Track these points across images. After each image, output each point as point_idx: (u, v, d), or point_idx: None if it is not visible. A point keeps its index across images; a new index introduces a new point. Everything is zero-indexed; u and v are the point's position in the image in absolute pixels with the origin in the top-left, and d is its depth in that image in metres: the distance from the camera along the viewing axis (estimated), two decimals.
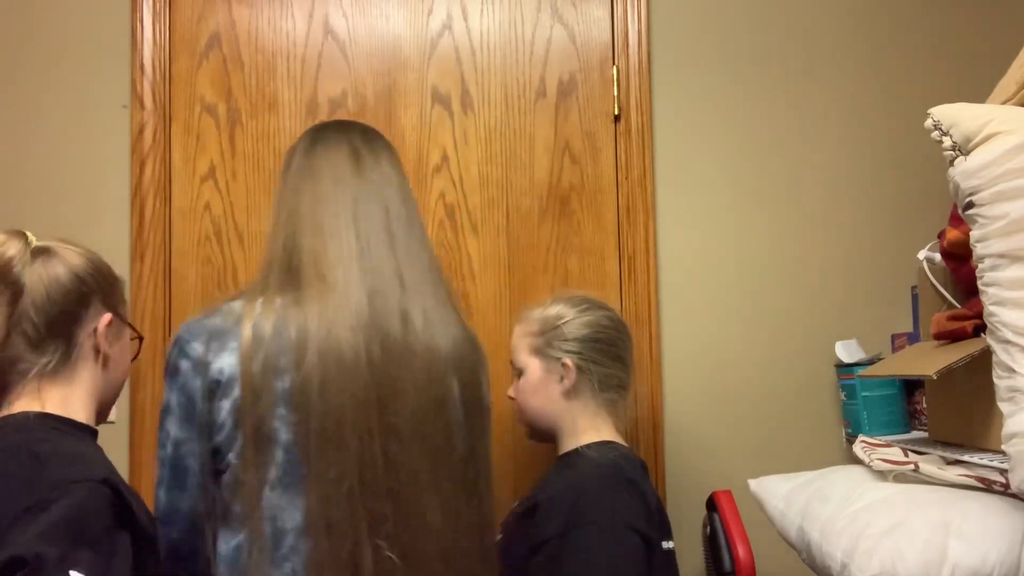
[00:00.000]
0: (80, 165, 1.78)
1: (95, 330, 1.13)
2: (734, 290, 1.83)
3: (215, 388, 1.07)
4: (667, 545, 1.39)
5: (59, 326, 1.10)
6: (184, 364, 1.09)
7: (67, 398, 1.10)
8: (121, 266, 1.76)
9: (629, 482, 1.36)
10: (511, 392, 1.57)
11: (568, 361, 1.47)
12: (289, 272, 1.12)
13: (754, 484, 1.48)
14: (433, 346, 1.12)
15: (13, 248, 1.10)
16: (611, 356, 1.50)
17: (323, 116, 1.82)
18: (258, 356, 1.05)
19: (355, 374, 1.05)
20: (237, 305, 1.12)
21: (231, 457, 1.05)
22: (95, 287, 1.15)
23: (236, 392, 1.05)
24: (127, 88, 1.80)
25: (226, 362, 1.06)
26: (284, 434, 1.04)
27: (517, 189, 1.83)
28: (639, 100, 1.84)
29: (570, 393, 1.47)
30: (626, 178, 1.82)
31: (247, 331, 1.06)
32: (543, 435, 1.54)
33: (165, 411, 1.11)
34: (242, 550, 1.03)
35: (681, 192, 1.84)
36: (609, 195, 1.83)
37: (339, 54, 1.84)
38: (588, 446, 1.45)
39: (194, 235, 1.80)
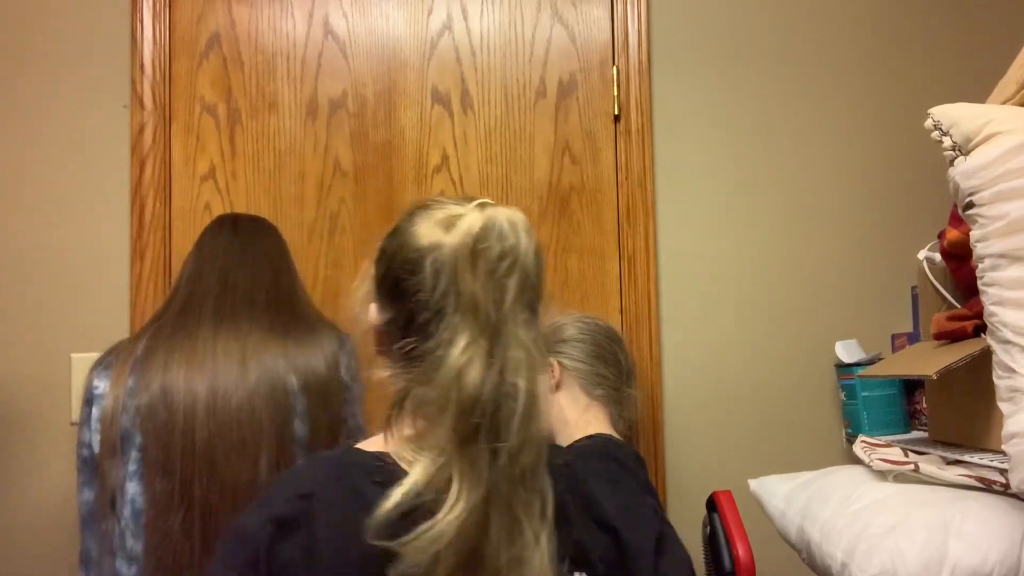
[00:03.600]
0: (80, 165, 1.78)
1: None
2: (734, 290, 1.83)
3: (92, 399, 1.37)
4: None
5: None
6: (88, 384, 1.39)
7: None
8: (121, 266, 1.76)
9: (613, 459, 1.39)
10: None
11: (552, 360, 1.55)
12: (159, 319, 1.44)
13: (754, 484, 1.49)
14: (250, 374, 1.39)
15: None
16: (594, 355, 1.56)
17: (323, 116, 1.82)
18: (119, 381, 1.36)
19: (186, 393, 1.35)
20: (124, 343, 1.41)
21: (100, 456, 1.35)
22: None
23: (104, 403, 1.35)
24: (127, 88, 1.80)
25: (103, 383, 1.37)
26: (138, 438, 1.33)
27: (517, 189, 1.83)
28: (639, 100, 1.84)
29: (556, 390, 1.55)
30: (626, 178, 1.82)
31: (117, 363, 1.38)
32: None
33: (78, 424, 1.39)
34: (122, 526, 1.35)
35: (681, 192, 1.84)
36: (609, 195, 1.83)
37: (339, 54, 1.84)
38: (579, 440, 1.49)
39: (194, 235, 1.77)
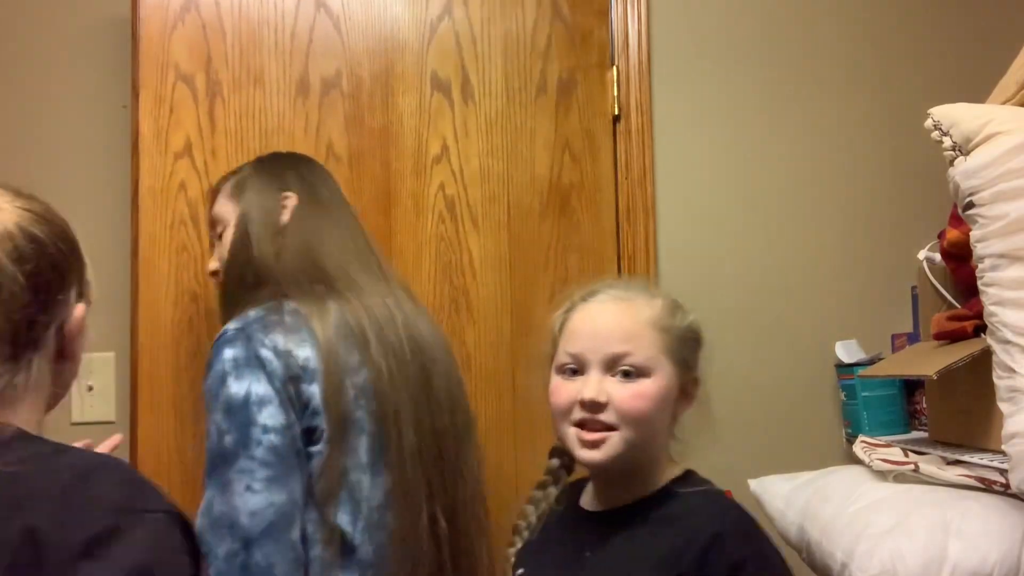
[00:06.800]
0: (80, 165, 1.78)
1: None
2: (734, 290, 1.83)
3: (301, 375, 1.13)
4: None
5: None
6: (267, 353, 1.12)
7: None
8: (122, 266, 1.75)
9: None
10: (600, 396, 1.04)
11: (699, 377, 1.12)
12: (318, 282, 1.24)
13: (754, 484, 1.48)
14: (441, 342, 1.33)
15: None
16: None
17: (315, 96, 1.72)
18: (334, 353, 1.15)
19: (407, 366, 1.23)
20: (292, 306, 1.18)
21: (322, 443, 1.13)
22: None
23: (321, 380, 1.13)
24: (127, 88, 1.79)
25: (309, 354, 1.14)
26: (366, 423, 1.16)
27: (518, 184, 1.80)
28: (639, 100, 1.83)
29: (679, 416, 1.12)
30: (626, 178, 1.82)
31: (319, 330, 1.15)
32: (621, 466, 1.07)
33: (256, 404, 1.10)
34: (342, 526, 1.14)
35: (681, 192, 1.84)
36: (609, 194, 1.82)
37: (332, 30, 1.74)
38: (676, 481, 1.11)
39: (165, 217, 1.64)
